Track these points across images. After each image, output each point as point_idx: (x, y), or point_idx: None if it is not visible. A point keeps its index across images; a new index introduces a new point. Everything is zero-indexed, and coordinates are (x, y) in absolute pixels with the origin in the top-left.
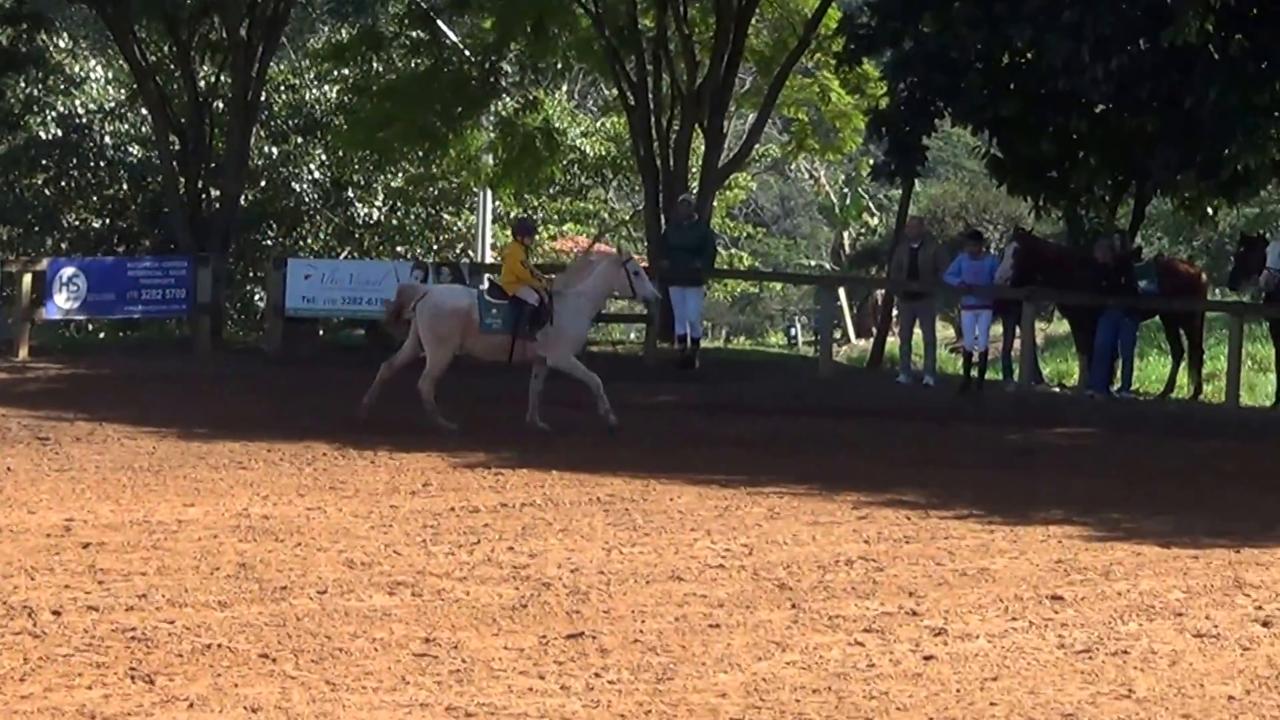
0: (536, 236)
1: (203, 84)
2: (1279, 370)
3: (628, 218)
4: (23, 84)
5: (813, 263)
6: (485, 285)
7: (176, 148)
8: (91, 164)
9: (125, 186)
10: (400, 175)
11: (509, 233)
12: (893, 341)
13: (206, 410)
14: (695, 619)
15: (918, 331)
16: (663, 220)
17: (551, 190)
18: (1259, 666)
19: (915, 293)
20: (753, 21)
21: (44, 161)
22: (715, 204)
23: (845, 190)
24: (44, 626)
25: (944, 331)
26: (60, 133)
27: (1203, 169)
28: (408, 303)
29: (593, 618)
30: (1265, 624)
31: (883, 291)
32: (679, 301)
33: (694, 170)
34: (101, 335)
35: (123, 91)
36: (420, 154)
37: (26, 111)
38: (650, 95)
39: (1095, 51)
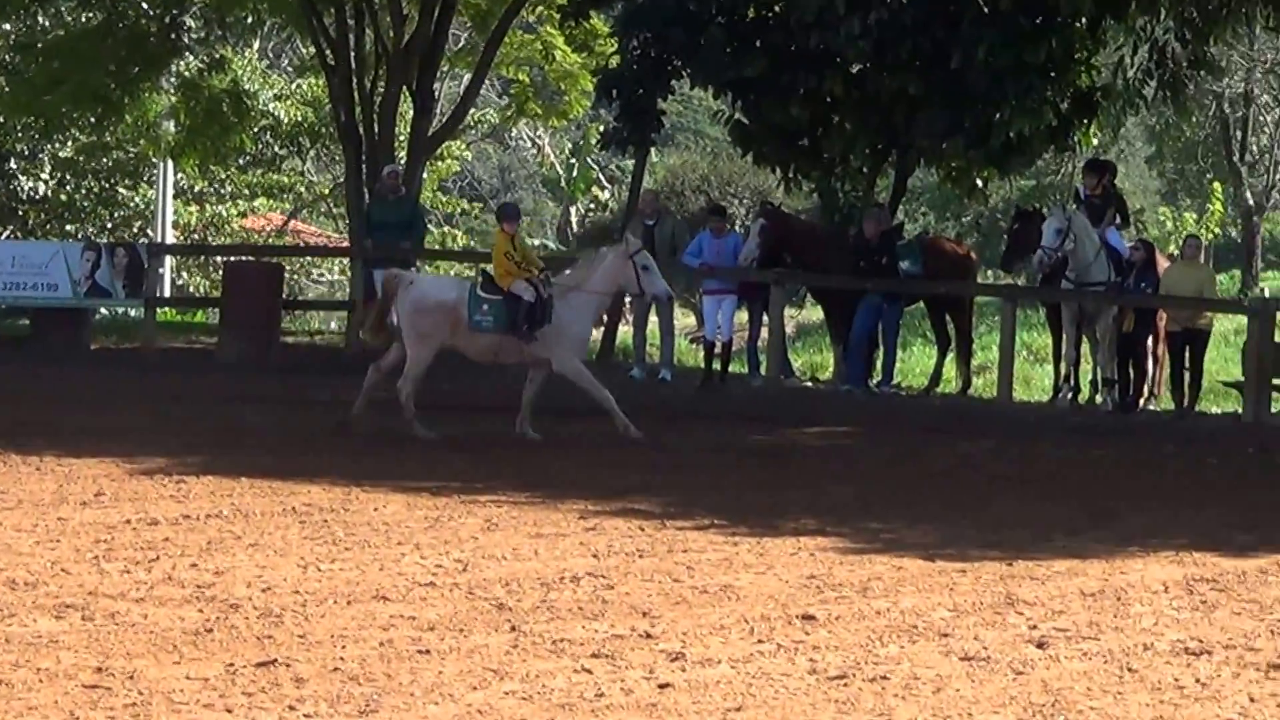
0: (520, 223)
1: None
2: (1056, 361)
3: (327, 191)
4: None
5: (536, 242)
6: (480, 278)
7: None
8: None
9: None
10: (70, 144)
11: (193, 207)
12: (625, 331)
13: None
14: (402, 644)
15: (653, 319)
16: (366, 194)
17: (241, 161)
18: (1033, 693)
19: None
20: None
21: None
22: (426, 176)
23: (572, 161)
24: None
25: (683, 319)
26: None
27: (971, 136)
28: (393, 295)
29: (287, 643)
30: (1040, 645)
31: None
32: None
33: (402, 138)
34: None
35: None
36: (92, 120)
37: None
38: (352, 53)
39: (851, 4)
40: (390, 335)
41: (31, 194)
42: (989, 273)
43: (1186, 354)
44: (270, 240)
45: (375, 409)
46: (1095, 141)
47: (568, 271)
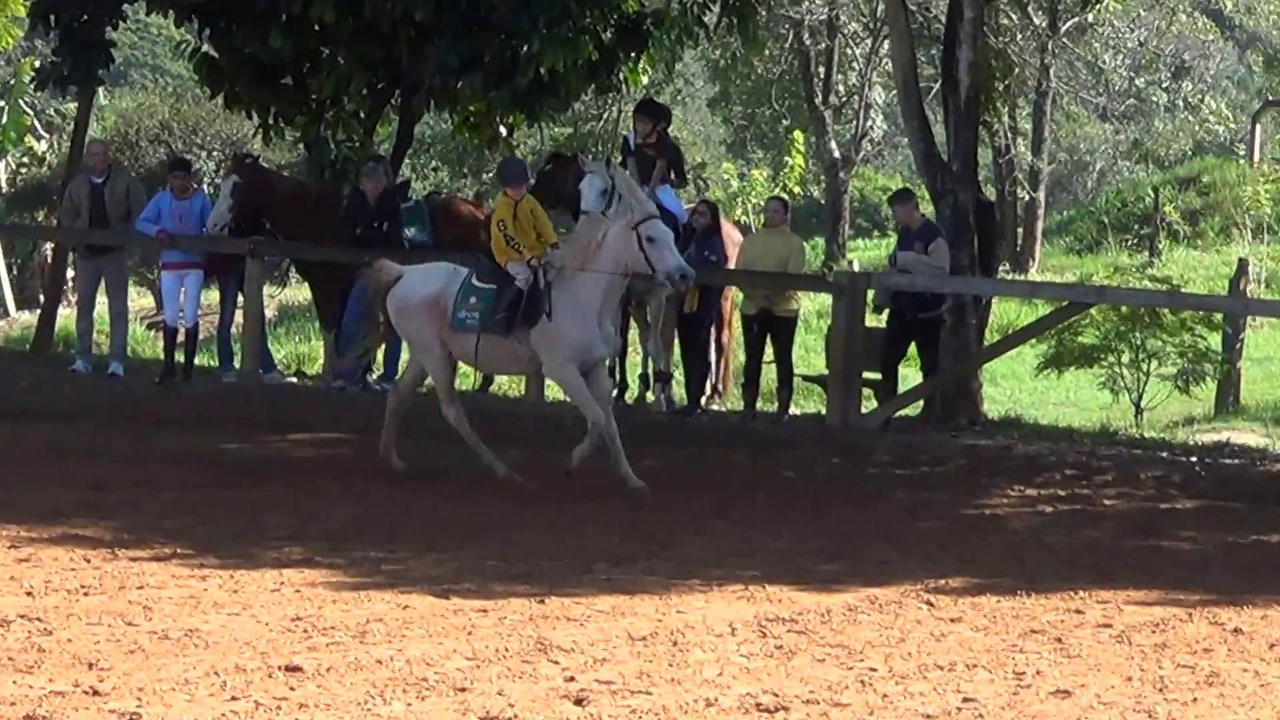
0: (527, 188)
1: None
2: (644, 347)
3: None
4: None
5: None
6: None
7: None
8: None
9: None
10: None
11: None
12: (68, 315)
13: None
14: None
15: (103, 300)
16: None
17: None
18: None
19: (99, 246)
20: None
21: None
22: None
23: (0, 103)
24: None
25: (140, 300)
26: None
27: (492, 73)
28: (382, 292)
29: None
30: (579, 701)
31: (53, 245)
32: None
33: None
34: None
35: None
36: None
37: None
38: None
39: None
40: (382, 336)
41: None
42: None
43: (766, 344)
44: None
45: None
46: (646, 80)
47: (564, 247)
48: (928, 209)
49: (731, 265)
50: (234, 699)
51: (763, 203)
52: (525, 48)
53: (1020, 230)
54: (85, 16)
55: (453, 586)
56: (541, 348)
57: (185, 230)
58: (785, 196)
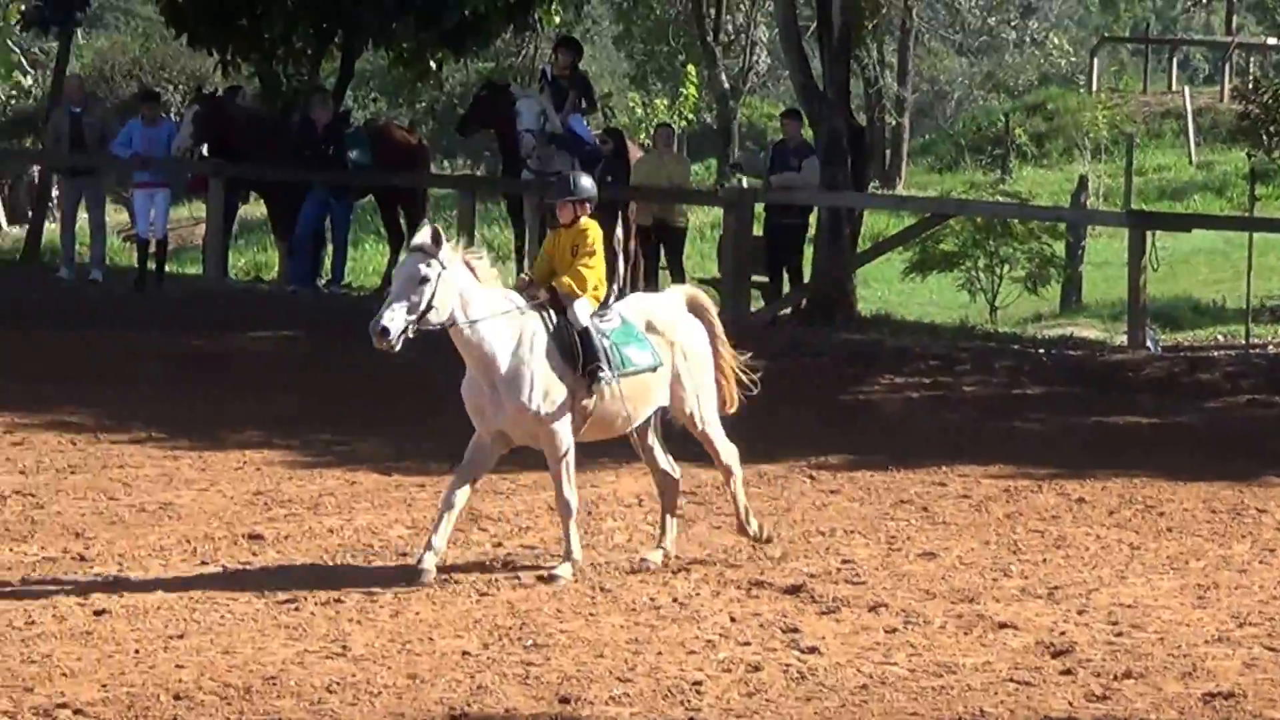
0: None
1: None
2: (519, 259)
3: None
4: None
5: None
6: None
7: None
8: None
9: None
10: None
11: None
12: (53, 228)
13: None
14: None
15: (84, 215)
16: None
17: None
18: (499, 615)
19: (79, 168)
20: None
21: None
22: None
23: None
24: None
25: (117, 216)
26: None
27: (423, 15)
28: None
29: None
30: (506, 565)
31: (39, 167)
32: None
33: None
34: None
35: None
36: None
37: None
38: None
39: None
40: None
41: None
42: (444, 163)
43: (660, 252)
44: None
45: None
46: (558, 20)
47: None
48: (808, 134)
49: None
50: (204, 564)
51: None
52: None
53: (888, 152)
54: None
55: (394, 465)
56: None
57: (154, 154)
58: (672, 123)
